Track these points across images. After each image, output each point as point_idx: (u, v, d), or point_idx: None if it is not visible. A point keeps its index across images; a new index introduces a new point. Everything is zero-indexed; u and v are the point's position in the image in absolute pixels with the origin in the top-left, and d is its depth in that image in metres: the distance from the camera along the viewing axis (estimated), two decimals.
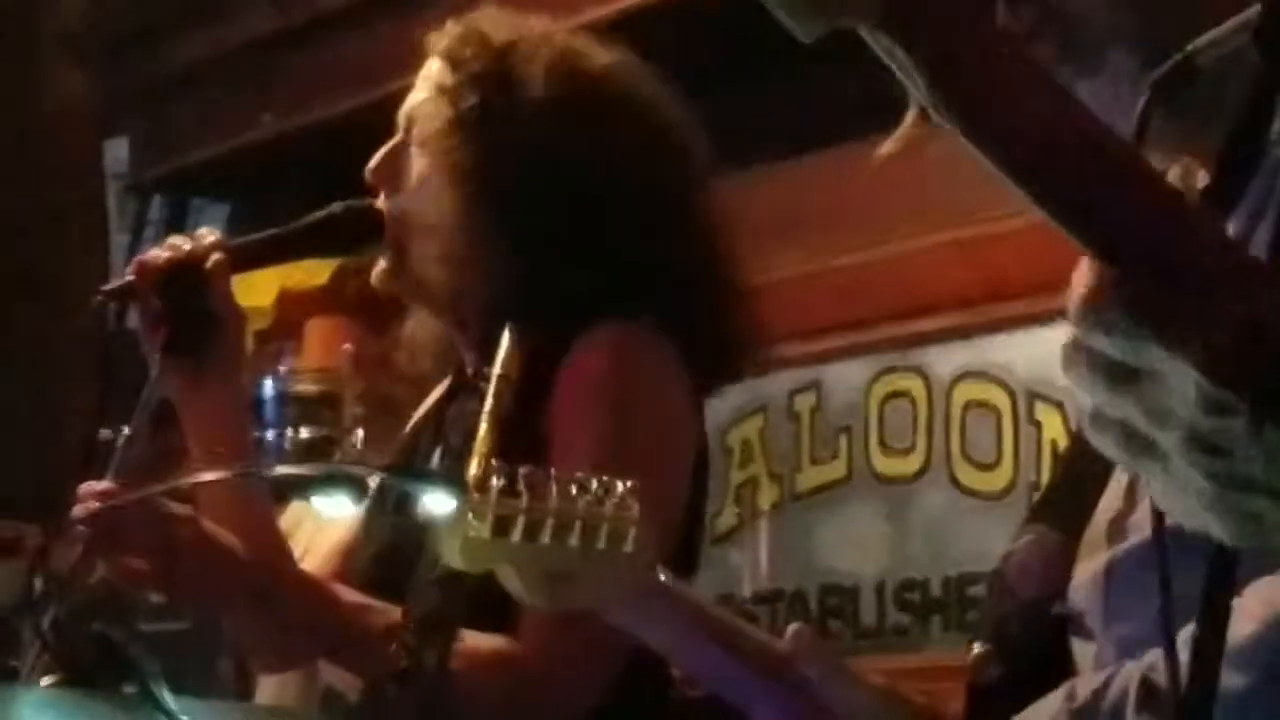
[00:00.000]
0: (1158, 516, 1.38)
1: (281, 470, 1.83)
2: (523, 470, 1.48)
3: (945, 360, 3.70)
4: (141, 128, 5.45)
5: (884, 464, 3.78)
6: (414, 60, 4.23)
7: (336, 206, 2.37)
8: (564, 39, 2.37)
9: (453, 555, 1.49)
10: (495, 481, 1.48)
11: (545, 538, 1.48)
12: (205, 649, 4.19)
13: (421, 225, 2.31)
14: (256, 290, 4.46)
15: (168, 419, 2.38)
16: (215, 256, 2.28)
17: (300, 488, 1.76)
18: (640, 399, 2.23)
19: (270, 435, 4.17)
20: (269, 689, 3.82)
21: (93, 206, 5.49)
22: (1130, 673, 1.50)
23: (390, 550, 2.31)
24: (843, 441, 3.86)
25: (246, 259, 2.40)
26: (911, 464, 3.73)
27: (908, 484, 3.73)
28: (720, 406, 3.93)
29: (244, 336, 2.37)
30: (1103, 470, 1.65)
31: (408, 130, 2.37)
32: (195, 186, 5.38)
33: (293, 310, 4.36)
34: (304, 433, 4.16)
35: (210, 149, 5.14)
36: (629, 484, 1.50)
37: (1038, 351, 3.48)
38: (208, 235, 2.34)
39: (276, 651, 2.37)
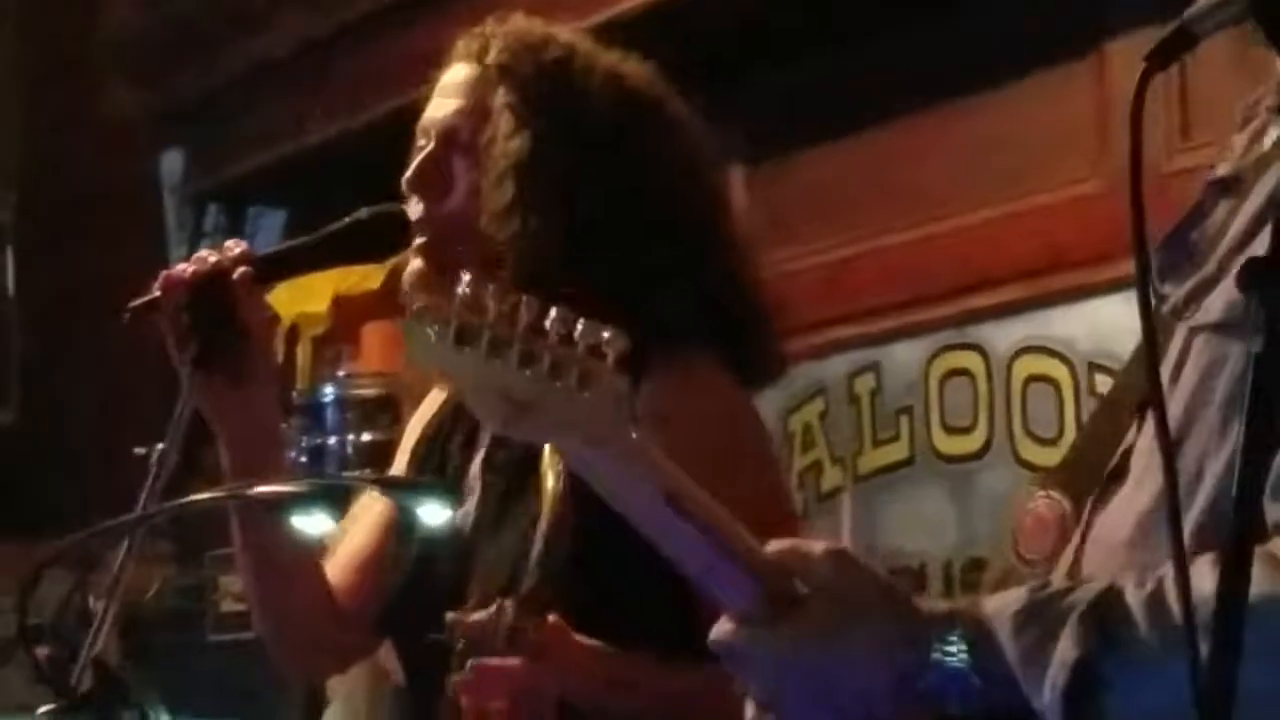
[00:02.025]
0: (1169, 461, 1.36)
1: (268, 489, 1.79)
2: (492, 286, 1.43)
3: (1004, 335, 3.65)
4: (194, 138, 5.46)
5: (946, 443, 3.74)
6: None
7: (363, 212, 2.35)
8: (608, 55, 2.35)
9: (414, 356, 1.41)
10: (461, 290, 1.41)
11: (511, 360, 1.40)
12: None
13: (468, 235, 2.27)
14: (312, 296, 4.46)
15: (207, 434, 2.37)
16: (241, 269, 2.27)
17: (287, 506, 1.73)
18: (732, 435, 2.23)
19: (331, 441, 4.18)
20: (340, 688, 3.84)
21: (152, 220, 5.52)
22: (1098, 584, 1.48)
23: (430, 562, 2.29)
24: (904, 422, 3.82)
25: (275, 269, 2.38)
26: (973, 442, 3.68)
27: (971, 462, 3.68)
28: (780, 392, 3.89)
29: (273, 347, 2.35)
30: (1116, 437, 1.65)
31: (448, 140, 2.33)
32: (251, 194, 5.39)
33: (349, 315, 4.37)
34: (365, 436, 4.16)
35: (263, 156, 5.15)
36: (610, 333, 1.43)
37: (1097, 322, 3.43)
38: (234, 247, 2.32)
39: None
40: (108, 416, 5.30)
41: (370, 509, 2.39)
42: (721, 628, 1.55)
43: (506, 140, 2.26)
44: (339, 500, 1.71)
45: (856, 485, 3.90)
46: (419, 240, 2.31)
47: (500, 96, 2.28)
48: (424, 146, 2.34)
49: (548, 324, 1.42)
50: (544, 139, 2.25)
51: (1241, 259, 1.56)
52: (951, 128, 3.77)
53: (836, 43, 3.89)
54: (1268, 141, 1.65)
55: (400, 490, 1.79)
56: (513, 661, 2.00)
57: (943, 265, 3.73)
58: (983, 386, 3.68)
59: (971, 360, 3.70)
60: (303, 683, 3.98)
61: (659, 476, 1.50)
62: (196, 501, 1.94)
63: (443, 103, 2.34)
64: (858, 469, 3.90)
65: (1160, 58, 1.44)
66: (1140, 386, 1.64)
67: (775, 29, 3.89)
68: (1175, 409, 1.57)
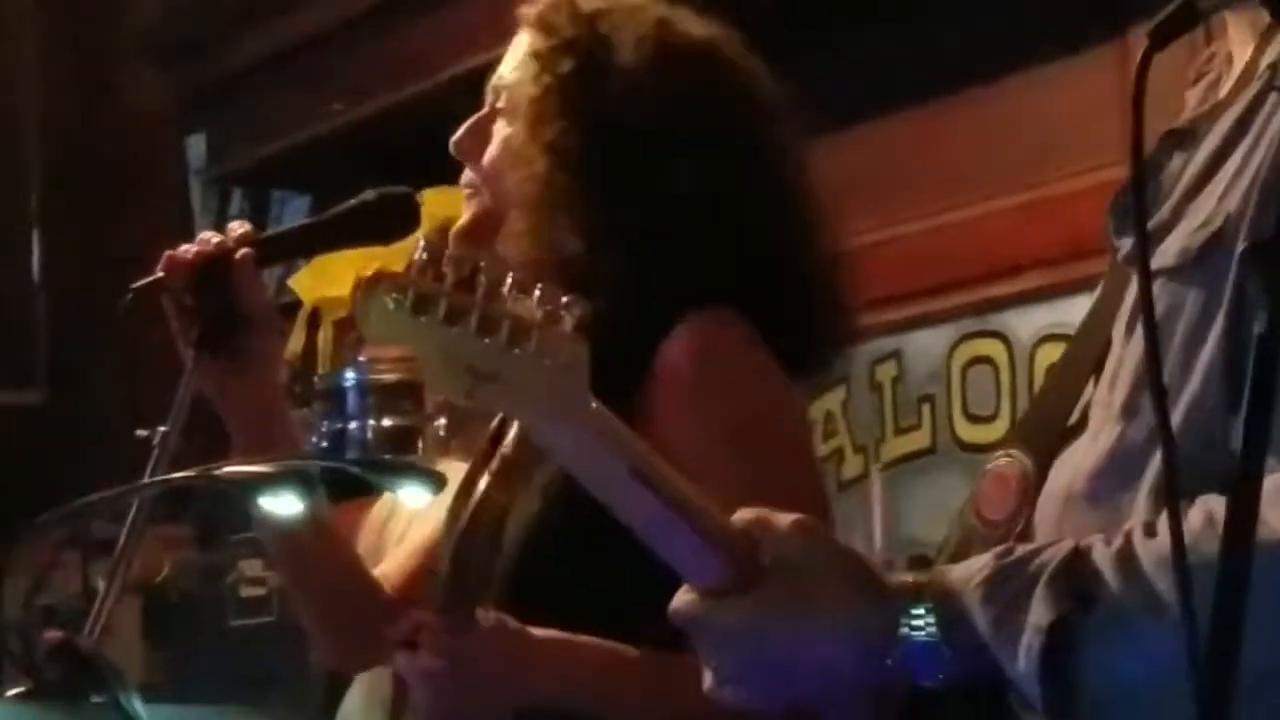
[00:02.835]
0: (1164, 424, 1.36)
1: (235, 470, 1.77)
2: (449, 253, 1.40)
3: (1026, 323, 3.62)
4: (218, 123, 5.46)
5: (968, 432, 3.72)
6: (481, 40, 4.20)
7: (369, 194, 2.34)
8: (657, 9, 2.28)
9: (369, 327, 1.39)
10: (418, 256, 1.39)
11: (469, 327, 1.38)
12: (296, 643, 4.20)
13: (506, 194, 2.25)
14: (333, 280, 4.44)
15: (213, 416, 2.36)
16: (243, 250, 2.26)
17: (255, 487, 1.72)
18: (752, 402, 2.17)
19: (352, 425, 4.16)
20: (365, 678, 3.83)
21: (178, 205, 5.54)
22: (1065, 545, 1.46)
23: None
24: (925, 410, 3.79)
25: (280, 251, 2.38)
26: (996, 431, 3.65)
27: (992, 451, 3.65)
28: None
29: (276, 329, 2.34)
30: (1075, 393, 1.64)
31: (492, 101, 2.32)
32: (275, 179, 5.39)
33: None
34: (386, 421, 4.14)
35: (287, 141, 5.14)
36: (568, 299, 1.41)
37: None
38: (238, 228, 2.31)
39: None
40: (135, 397, 5.30)
41: (439, 499, 2.38)
42: (682, 598, 1.53)
43: (528, 85, 2.23)
44: (309, 482, 1.70)
45: (879, 474, 3.88)
46: (466, 196, 2.31)
47: (532, 44, 2.26)
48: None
49: (505, 290, 1.40)
50: (563, 81, 2.21)
51: (1195, 204, 1.56)
52: (972, 114, 3.75)
53: (854, 30, 3.86)
54: (1223, 91, 1.65)
55: (376, 472, 1.78)
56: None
57: (965, 252, 3.71)
58: (1005, 375, 3.65)
59: (994, 348, 3.68)
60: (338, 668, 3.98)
61: (620, 446, 1.48)
62: (165, 481, 1.93)
63: (503, 67, 2.33)
64: (880, 457, 3.88)
65: (1163, 35, 1.44)
66: (1098, 343, 1.64)
67: (791, 16, 3.87)
68: (1132, 359, 1.57)
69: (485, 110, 2.33)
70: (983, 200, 3.69)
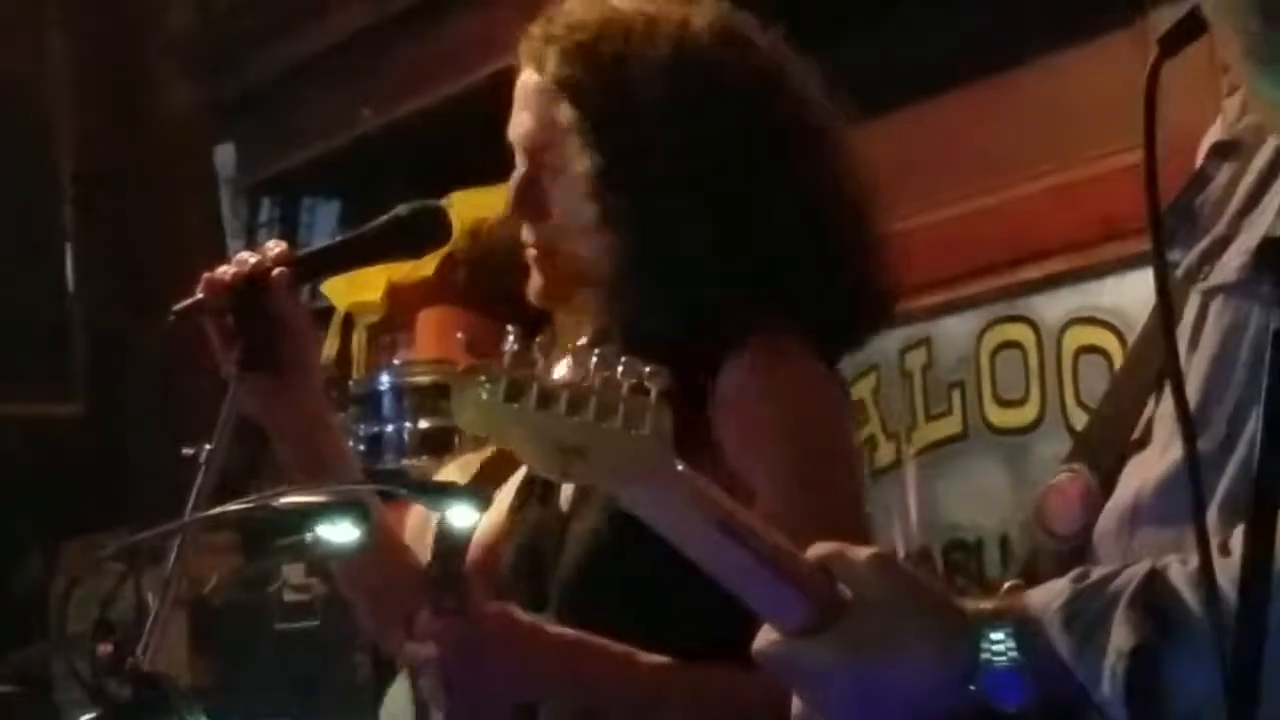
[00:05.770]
0: (1190, 440, 1.36)
1: (294, 500, 1.80)
2: (538, 340, 1.45)
3: (1054, 306, 3.64)
4: (247, 132, 5.49)
5: (998, 416, 3.74)
6: (508, 43, 4.21)
7: (402, 209, 2.37)
8: (673, 26, 2.25)
9: (463, 418, 1.45)
10: (508, 346, 1.44)
11: (559, 408, 1.43)
12: (341, 646, 4.24)
13: (570, 253, 2.26)
14: (365, 285, 4.48)
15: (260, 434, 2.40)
16: (278, 269, 2.28)
17: (313, 516, 1.74)
18: (810, 420, 2.20)
19: (389, 429, 4.20)
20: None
21: (209, 214, 5.57)
22: (1142, 566, 1.48)
23: (536, 540, 2.30)
24: (956, 396, 3.81)
25: (316, 268, 2.41)
26: (1026, 414, 3.68)
27: (1024, 435, 3.68)
28: None
29: (315, 346, 2.37)
30: (1137, 408, 1.64)
31: (533, 160, 2.28)
32: (304, 186, 5.42)
33: (403, 303, 4.38)
34: (423, 423, 4.18)
35: (316, 148, 5.17)
36: (650, 369, 1.45)
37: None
38: (274, 247, 2.34)
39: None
40: (172, 411, 5.33)
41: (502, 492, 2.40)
42: (766, 639, 1.56)
43: (578, 161, 2.22)
44: (364, 510, 1.73)
45: (911, 460, 3.90)
46: (531, 255, 2.31)
47: (563, 113, 2.24)
48: (519, 165, 2.31)
49: (591, 367, 1.44)
50: (613, 156, 2.21)
51: (1251, 219, 1.56)
52: (999, 100, 3.76)
53: (882, 17, 3.88)
54: None
55: (426, 495, 1.81)
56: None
57: (992, 238, 3.72)
58: (1034, 359, 3.67)
59: (1022, 333, 3.70)
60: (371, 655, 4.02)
61: (707, 506, 1.52)
62: (225, 513, 1.96)
63: (519, 118, 2.29)
64: (912, 444, 3.90)
65: (1172, 43, 1.45)
66: (1157, 358, 1.63)
67: (820, 6, 3.89)
68: (1197, 374, 1.57)
69: (526, 169, 2.29)
70: (1009, 186, 3.71)
